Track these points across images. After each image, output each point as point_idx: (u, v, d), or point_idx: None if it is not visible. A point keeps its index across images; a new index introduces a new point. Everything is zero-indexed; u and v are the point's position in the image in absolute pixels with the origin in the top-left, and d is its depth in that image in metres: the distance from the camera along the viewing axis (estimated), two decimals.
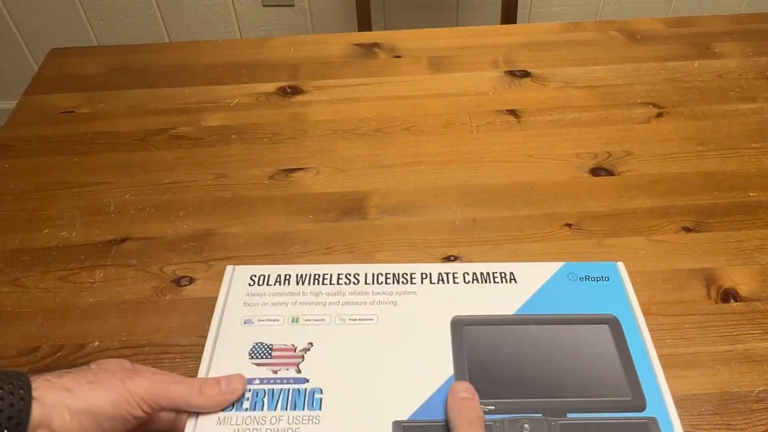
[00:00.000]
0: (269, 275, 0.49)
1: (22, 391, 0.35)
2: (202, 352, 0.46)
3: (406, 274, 0.49)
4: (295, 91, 0.80)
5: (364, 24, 1.35)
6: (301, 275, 0.49)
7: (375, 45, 0.87)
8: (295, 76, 0.82)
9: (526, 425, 0.40)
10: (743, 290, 0.55)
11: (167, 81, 0.82)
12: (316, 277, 0.48)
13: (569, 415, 0.41)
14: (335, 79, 0.81)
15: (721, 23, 0.89)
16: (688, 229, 0.61)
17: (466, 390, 0.40)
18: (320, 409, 0.41)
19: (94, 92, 0.81)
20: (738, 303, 0.54)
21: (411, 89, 0.79)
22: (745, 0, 1.68)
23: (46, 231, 0.63)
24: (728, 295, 0.55)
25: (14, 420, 0.34)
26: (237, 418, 0.40)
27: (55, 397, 0.35)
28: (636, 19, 0.90)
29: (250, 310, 0.46)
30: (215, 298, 0.55)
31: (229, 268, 0.50)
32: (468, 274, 0.49)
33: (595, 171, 0.67)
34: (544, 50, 0.85)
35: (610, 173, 0.67)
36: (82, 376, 0.37)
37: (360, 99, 0.78)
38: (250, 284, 0.48)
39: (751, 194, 0.64)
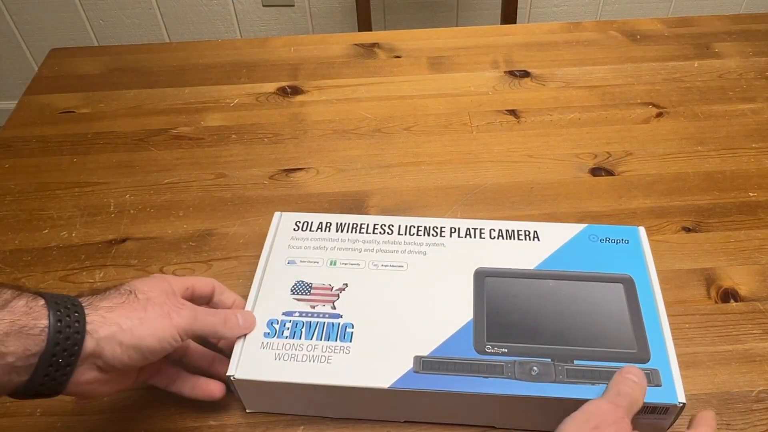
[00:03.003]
0: (312, 222, 0.53)
1: (77, 324, 0.36)
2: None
3: (437, 228, 0.52)
4: (295, 91, 0.80)
5: (364, 24, 1.35)
6: (341, 224, 0.53)
7: (375, 45, 0.87)
8: (295, 76, 0.82)
9: (535, 367, 0.43)
10: (743, 290, 0.55)
11: (167, 81, 0.82)
12: (354, 226, 0.53)
13: (576, 362, 0.44)
14: (335, 79, 0.81)
15: (721, 23, 0.89)
16: (688, 229, 0.61)
17: (634, 374, 0.41)
18: (351, 341, 0.45)
19: (94, 92, 0.81)
20: (738, 303, 0.54)
21: (411, 89, 0.79)
22: (745, 0, 1.68)
23: (46, 231, 0.63)
24: (728, 295, 0.55)
25: (65, 362, 0.36)
26: (278, 344, 0.45)
27: (107, 332, 0.38)
28: (636, 19, 0.90)
29: (293, 252, 0.51)
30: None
31: (276, 214, 0.54)
32: (494, 230, 0.52)
33: (595, 171, 0.67)
34: (544, 50, 0.85)
35: (610, 173, 0.67)
36: (134, 310, 0.39)
37: (360, 99, 0.78)
38: (294, 229, 0.53)
39: (751, 194, 0.64)
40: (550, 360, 0.44)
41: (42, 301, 0.36)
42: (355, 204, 0.64)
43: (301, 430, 0.47)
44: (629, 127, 0.72)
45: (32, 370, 0.35)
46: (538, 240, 0.51)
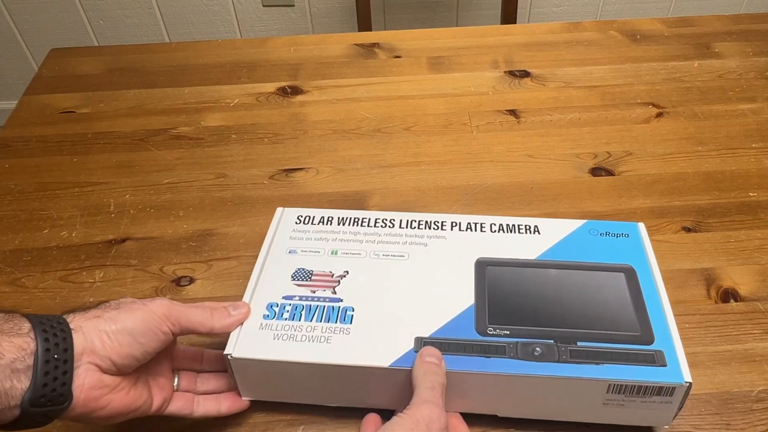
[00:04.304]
0: (314, 216, 0.54)
1: (60, 323, 0.37)
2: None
3: (437, 222, 0.53)
4: (295, 91, 0.80)
5: (364, 24, 1.35)
6: (342, 218, 0.53)
7: (375, 45, 0.87)
8: (295, 76, 0.82)
9: (537, 348, 0.43)
10: (743, 290, 0.55)
11: (167, 81, 0.82)
12: (356, 220, 0.53)
13: (579, 343, 0.43)
14: (335, 79, 0.81)
15: (721, 23, 0.89)
16: (688, 229, 0.61)
17: (433, 355, 0.42)
18: (351, 323, 0.45)
19: (94, 92, 0.81)
20: (738, 303, 0.54)
21: (411, 89, 0.79)
22: (745, 0, 1.69)
23: (46, 231, 0.63)
24: (728, 295, 0.55)
25: (61, 358, 0.36)
26: (277, 325, 0.45)
27: (90, 324, 0.38)
28: (636, 19, 0.90)
29: (295, 242, 0.51)
30: (216, 298, 0.56)
31: (279, 210, 0.54)
32: (495, 225, 0.53)
33: (595, 171, 0.67)
34: (544, 50, 0.85)
35: (610, 173, 0.67)
36: (106, 307, 0.40)
37: (360, 99, 0.78)
38: (296, 222, 0.53)
39: (751, 194, 0.64)
40: (552, 341, 0.43)
41: (17, 313, 0.37)
42: (355, 204, 0.64)
43: (301, 430, 0.47)
44: (629, 127, 0.73)
45: (31, 371, 0.35)
46: (539, 233, 0.51)
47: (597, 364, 0.42)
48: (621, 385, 0.42)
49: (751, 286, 0.55)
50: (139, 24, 1.68)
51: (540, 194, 0.65)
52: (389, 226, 0.52)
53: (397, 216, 0.53)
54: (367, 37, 0.90)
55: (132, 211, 0.65)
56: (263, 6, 1.64)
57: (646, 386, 0.42)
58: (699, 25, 0.89)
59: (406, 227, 0.52)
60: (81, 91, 0.81)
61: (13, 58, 1.76)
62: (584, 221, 0.52)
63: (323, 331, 0.44)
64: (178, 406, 0.44)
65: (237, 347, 0.44)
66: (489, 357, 0.43)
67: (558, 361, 0.42)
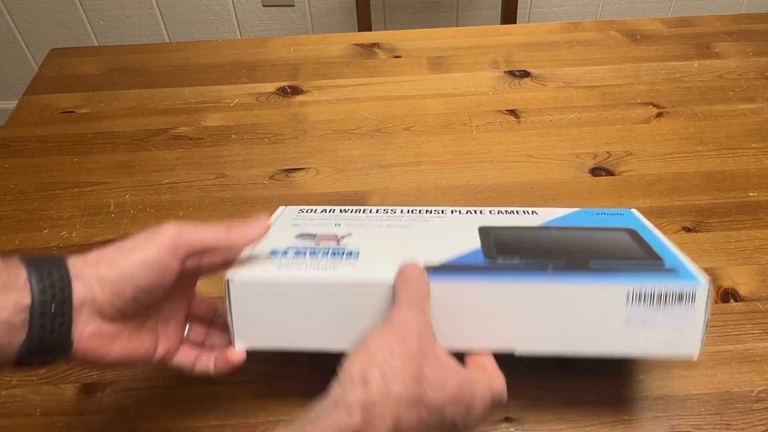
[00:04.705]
0: (316, 209, 0.54)
1: (59, 270, 0.35)
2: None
3: (438, 210, 0.54)
4: (295, 91, 0.80)
5: (364, 24, 1.35)
6: (344, 209, 0.54)
7: (375, 45, 0.87)
8: (295, 76, 0.82)
9: (551, 266, 0.42)
10: (743, 290, 0.55)
11: (167, 81, 0.82)
12: (358, 210, 0.54)
13: (592, 262, 0.43)
14: (335, 79, 0.81)
15: (721, 23, 0.89)
16: (688, 229, 0.61)
17: (416, 269, 0.41)
18: (357, 258, 0.45)
19: (94, 92, 0.81)
20: (738, 303, 0.54)
21: (411, 89, 0.79)
22: (745, 0, 1.69)
23: (46, 231, 0.63)
24: (728, 295, 0.55)
25: (58, 310, 0.35)
26: (281, 261, 0.44)
27: (91, 271, 0.36)
28: (636, 19, 0.90)
29: (298, 221, 0.52)
30: (216, 299, 0.55)
31: (280, 208, 0.54)
32: (493, 211, 0.53)
33: (595, 171, 0.67)
34: (544, 50, 0.85)
35: (610, 173, 0.67)
36: (108, 249, 0.38)
37: (360, 99, 0.78)
38: (298, 213, 0.54)
39: (751, 194, 0.64)
40: (565, 262, 0.43)
41: (15, 258, 0.35)
42: (355, 204, 0.64)
43: None
44: (629, 127, 0.73)
45: (27, 325, 0.34)
46: (537, 215, 0.52)
47: (616, 273, 0.41)
48: (641, 293, 0.40)
49: (751, 286, 0.55)
50: (139, 24, 1.68)
51: (540, 194, 0.65)
52: (390, 213, 0.53)
53: (399, 208, 0.54)
54: (367, 37, 0.90)
55: (132, 211, 0.65)
56: (263, 6, 1.64)
57: (667, 291, 0.40)
58: (699, 25, 0.89)
59: (407, 213, 0.53)
60: (81, 91, 0.81)
61: (13, 58, 1.76)
62: (579, 208, 0.53)
63: (329, 263, 0.44)
64: (182, 359, 0.43)
65: (238, 273, 0.42)
66: (502, 272, 0.42)
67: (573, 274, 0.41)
